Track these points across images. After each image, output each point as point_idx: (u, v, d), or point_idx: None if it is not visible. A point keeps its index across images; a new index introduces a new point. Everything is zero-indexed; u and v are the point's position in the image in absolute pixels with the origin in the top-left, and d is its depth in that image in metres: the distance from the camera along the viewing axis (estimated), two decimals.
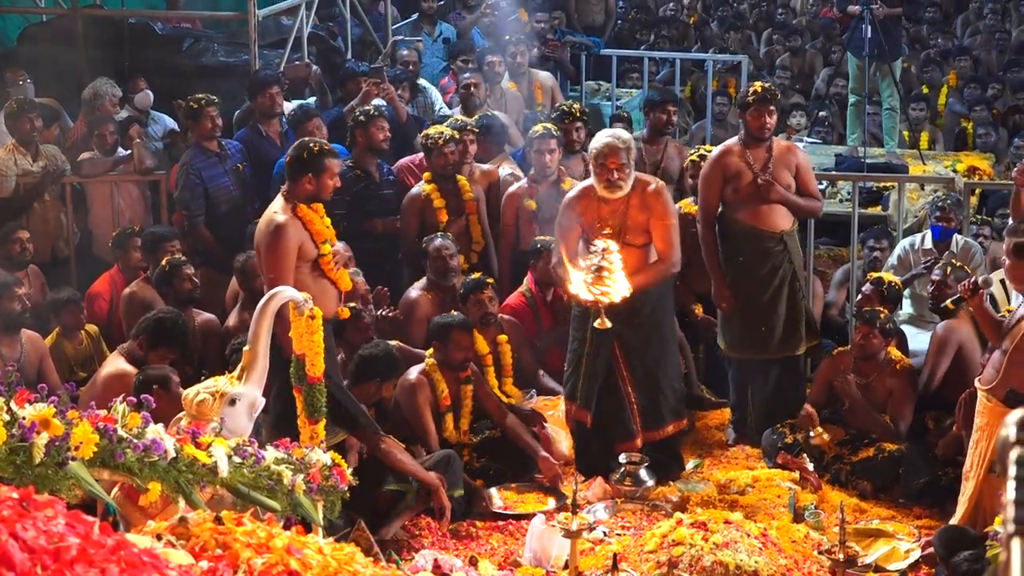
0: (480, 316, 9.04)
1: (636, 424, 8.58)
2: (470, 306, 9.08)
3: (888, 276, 9.42)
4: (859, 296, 9.29)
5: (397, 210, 10.15)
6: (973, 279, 7.70)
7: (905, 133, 13.88)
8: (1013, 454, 2.21)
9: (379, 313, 9.20)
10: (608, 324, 7.68)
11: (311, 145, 7.75)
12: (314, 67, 12.05)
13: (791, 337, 9.26)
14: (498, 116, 11.46)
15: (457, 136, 10.08)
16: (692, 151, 10.91)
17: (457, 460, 8.30)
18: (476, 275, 9.34)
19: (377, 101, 11.05)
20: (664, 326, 8.72)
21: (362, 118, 10.15)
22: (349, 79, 11.79)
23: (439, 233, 9.65)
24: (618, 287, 7.52)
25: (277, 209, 7.68)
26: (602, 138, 8.40)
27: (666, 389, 8.66)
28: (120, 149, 10.87)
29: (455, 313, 8.85)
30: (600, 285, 7.47)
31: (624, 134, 8.50)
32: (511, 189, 10.09)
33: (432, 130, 10.08)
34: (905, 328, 9.80)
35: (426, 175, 10.11)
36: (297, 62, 12.26)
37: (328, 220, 7.76)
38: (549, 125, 10.23)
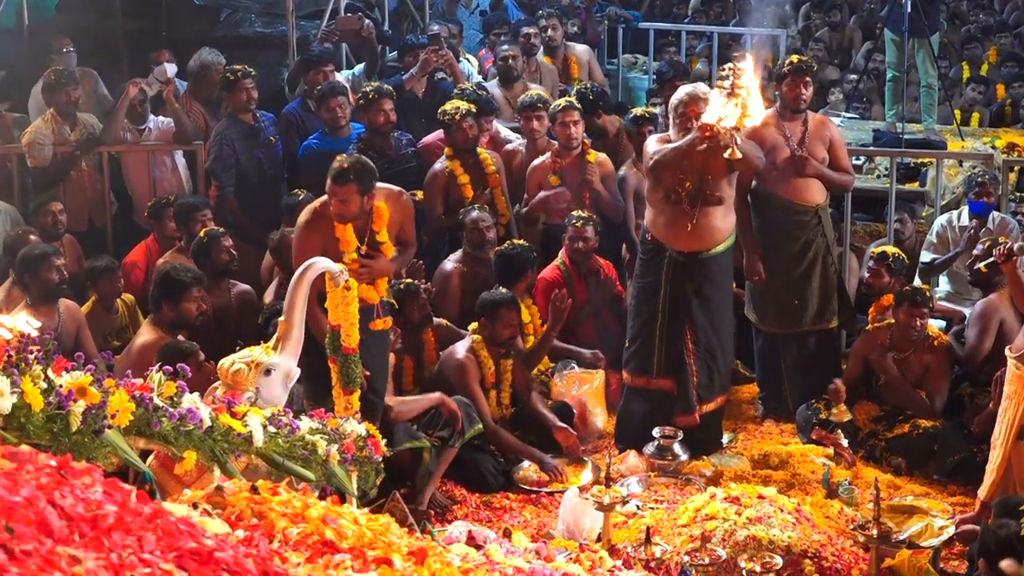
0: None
1: (695, 398, 8.60)
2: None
3: (892, 248, 9.43)
4: (867, 274, 9.28)
5: (418, 183, 10.13)
6: (1009, 244, 7.66)
7: (956, 113, 13.75)
8: None
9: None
10: (739, 155, 7.73)
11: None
12: (367, 20, 11.90)
13: (824, 310, 9.29)
14: (486, 85, 11.42)
15: (475, 110, 10.05)
16: None
17: (467, 404, 8.33)
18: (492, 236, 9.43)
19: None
20: (727, 297, 8.78)
21: (362, 101, 10.07)
22: (408, 52, 11.74)
23: (475, 205, 9.65)
24: (752, 108, 7.57)
25: (319, 204, 7.72)
26: (684, 89, 8.47)
27: (721, 363, 8.72)
28: (151, 116, 10.86)
29: (503, 290, 8.84)
30: (733, 101, 7.52)
31: (704, 87, 8.52)
32: (535, 162, 10.02)
33: (449, 106, 10.01)
34: (943, 305, 9.77)
35: (447, 151, 10.07)
36: (350, 14, 12.15)
37: (386, 235, 7.68)
38: (571, 97, 10.19)
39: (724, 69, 7.63)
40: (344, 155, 7.88)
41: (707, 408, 8.71)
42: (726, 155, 7.79)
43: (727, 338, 8.81)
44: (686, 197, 8.39)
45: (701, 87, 8.49)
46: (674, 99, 8.43)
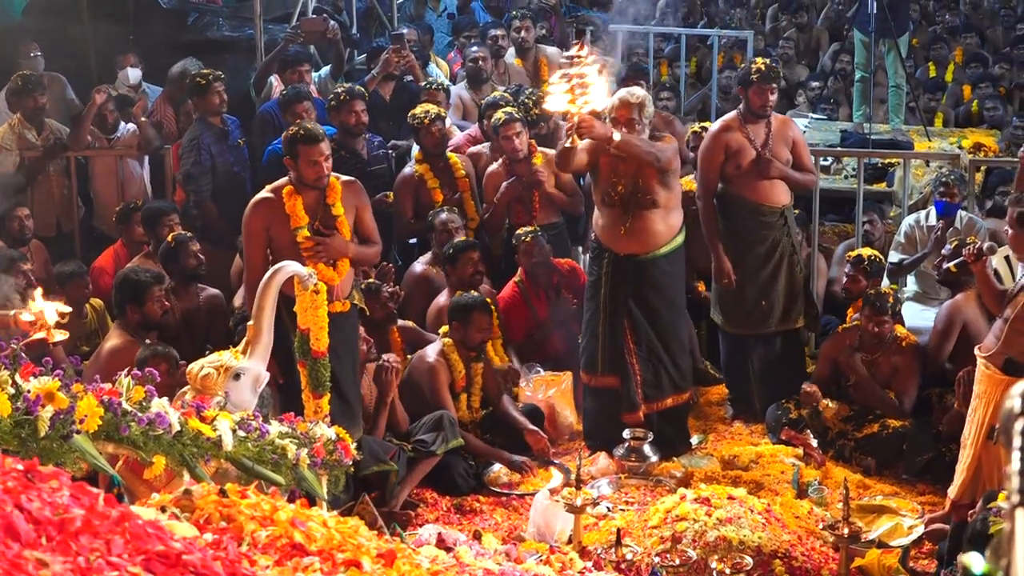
0: (471, 277, 9.12)
1: (639, 396, 8.60)
2: (460, 266, 9.14)
3: (867, 251, 9.44)
4: (844, 279, 9.32)
5: (389, 185, 10.12)
6: (978, 244, 7.69)
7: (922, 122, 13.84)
8: (1018, 425, 2.20)
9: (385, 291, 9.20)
10: (579, 143, 7.79)
11: (291, 129, 7.73)
12: (331, 22, 11.88)
13: (790, 311, 9.36)
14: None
15: (444, 114, 10.04)
16: (694, 125, 10.92)
17: (450, 416, 8.35)
18: (462, 238, 9.41)
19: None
20: (672, 299, 8.76)
21: (333, 103, 10.08)
22: (376, 54, 11.74)
23: (444, 207, 9.65)
24: (594, 95, 7.64)
25: (267, 187, 7.73)
26: (617, 94, 8.52)
27: (668, 362, 8.70)
28: (121, 124, 10.85)
29: (474, 293, 8.86)
30: (572, 94, 7.56)
31: (639, 91, 8.59)
32: (490, 169, 9.99)
33: (419, 109, 10.02)
34: (910, 305, 9.81)
35: (416, 154, 10.05)
36: (314, 16, 12.15)
37: (340, 208, 7.68)
38: (511, 108, 10.13)
39: (566, 57, 7.70)
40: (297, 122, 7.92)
41: (658, 407, 8.72)
42: (567, 143, 7.88)
43: (675, 338, 8.78)
44: (619, 200, 8.47)
45: (636, 91, 8.55)
46: (610, 101, 8.49)
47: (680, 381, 8.83)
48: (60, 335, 6.62)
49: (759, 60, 9.37)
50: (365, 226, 7.88)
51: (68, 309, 5.54)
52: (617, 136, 8.18)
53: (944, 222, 9.82)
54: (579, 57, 7.52)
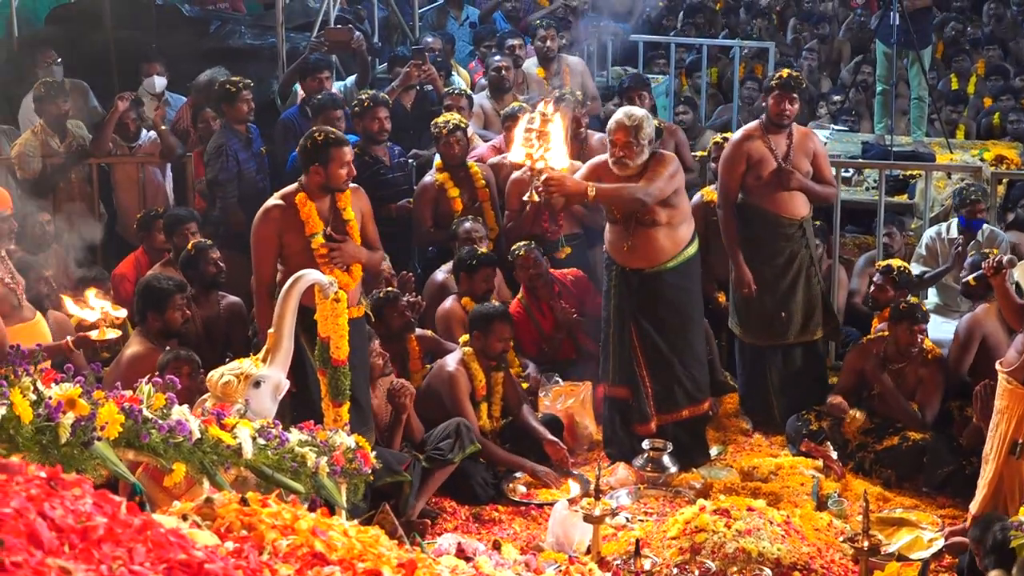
0: (483, 293, 9.11)
1: (650, 408, 8.60)
2: (476, 279, 9.14)
3: (896, 262, 9.43)
4: (872, 287, 9.31)
5: (409, 193, 10.15)
6: (997, 257, 7.68)
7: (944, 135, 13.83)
8: None
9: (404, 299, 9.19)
10: (536, 198, 7.71)
11: (316, 134, 7.69)
12: (356, 33, 11.89)
13: (809, 322, 9.35)
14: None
15: (464, 124, 10.07)
16: (716, 135, 10.92)
17: (466, 423, 8.33)
18: (483, 250, 9.39)
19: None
20: (686, 311, 8.72)
21: (357, 108, 10.12)
22: (397, 63, 11.75)
23: (468, 216, 9.66)
24: (552, 157, 7.44)
25: (276, 195, 7.74)
26: (615, 115, 8.47)
27: (681, 375, 8.68)
28: (143, 132, 10.88)
29: (496, 303, 8.86)
30: (530, 147, 7.39)
31: (639, 112, 8.50)
32: (514, 176, 9.94)
33: (440, 119, 10.04)
34: (932, 317, 9.79)
35: (437, 163, 10.06)
36: (339, 26, 12.18)
37: (352, 214, 7.69)
38: (525, 105, 10.11)
39: (535, 110, 7.56)
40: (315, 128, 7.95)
41: (672, 419, 8.71)
42: (524, 198, 7.79)
43: (688, 350, 8.74)
44: (620, 218, 8.46)
45: (634, 112, 8.45)
46: (609, 124, 8.48)
47: (696, 393, 8.80)
48: (112, 333, 6.66)
49: (785, 70, 9.38)
50: (368, 233, 7.88)
51: (123, 312, 5.60)
52: (592, 191, 8.13)
53: (965, 236, 9.80)
54: (545, 115, 7.42)
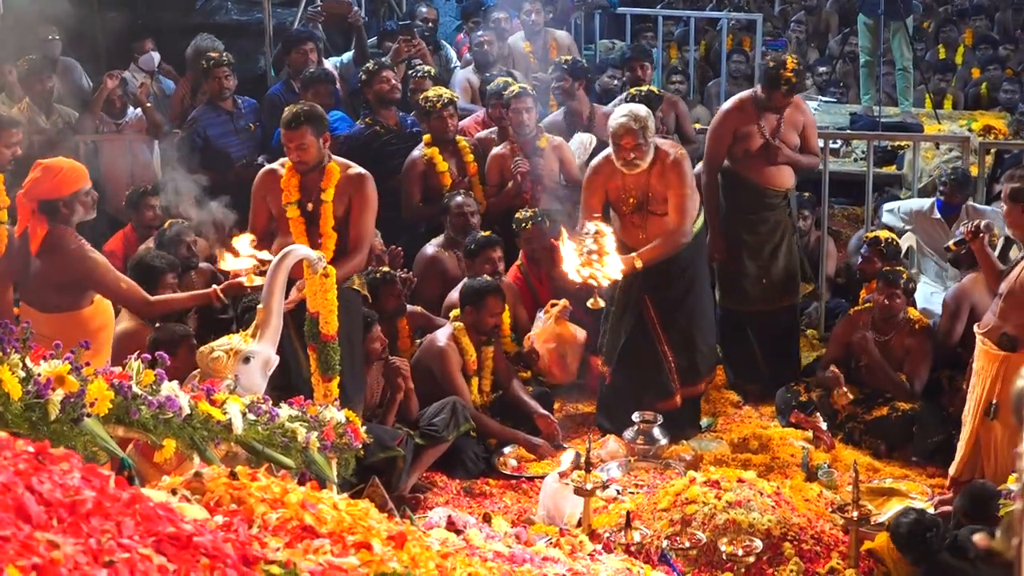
0: (491, 275, 9.04)
1: (675, 382, 8.64)
2: (479, 263, 9.09)
3: (884, 233, 9.45)
4: (859, 260, 9.35)
5: None
6: (976, 222, 7.71)
7: (928, 100, 13.81)
8: None
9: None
10: (601, 304, 7.73)
11: (287, 112, 7.72)
12: (356, 7, 11.86)
13: (789, 286, 9.48)
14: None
15: (456, 99, 10.05)
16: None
17: (461, 402, 8.35)
18: (486, 233, 9.34)
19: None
20: (698, 285, 8.77)
21: (364, 76, 10.15)
22: (387, 38, 11.72)
23: (460, 190, 9.64)
24: (608, 270, 7.52)
25: (279, 160, 7.87)
26: (618, 118, 8.35)
27: (702, 346, 8.79)
28: (129, 109, 10.85)
29: (487, 278, 8.83)
30: (589, 267, 7.46)
31: (641, 110, 8.40)
32: (494, 151, 9.97)
33: (431, 93, 10.00)
34: (924, 287, 9.80)
35: (426, 138, 10.02)
36: None
37: (330, 195, 7.62)
38: (525, 84, 10.13)
39: (587, 228, 7.56)
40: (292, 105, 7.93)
41: (695, 391, 8.87)
42: (589, 304, 7.75)
43: (703, 319, 8.83)
44: (630, 211, 8.47)
45: (638, 112, 8.35)
46: (610, 126, 8.40)
47: (712, 360, 9.00)
48: (259, 280, 6.64)
49: (790, 63, 9.03)
50: (354, 226, 7.73)
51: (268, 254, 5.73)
52: (639, 263, 8.22)
53: (948, 219, 9.79)
54: (600, 231, 7.47)
